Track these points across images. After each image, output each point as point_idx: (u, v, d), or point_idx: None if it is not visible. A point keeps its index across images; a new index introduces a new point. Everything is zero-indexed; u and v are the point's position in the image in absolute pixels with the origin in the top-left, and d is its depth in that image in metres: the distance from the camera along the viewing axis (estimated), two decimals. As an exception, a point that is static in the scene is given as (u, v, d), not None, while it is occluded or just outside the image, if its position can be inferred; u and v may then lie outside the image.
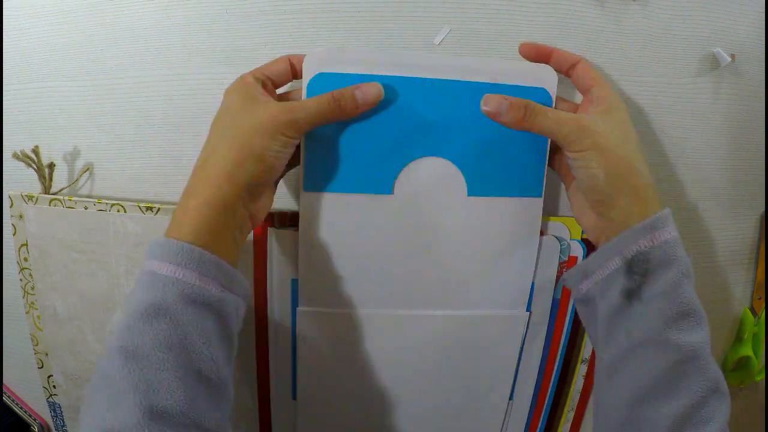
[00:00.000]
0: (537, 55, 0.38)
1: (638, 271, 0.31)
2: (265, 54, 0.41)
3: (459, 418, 0.46)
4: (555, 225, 0.42)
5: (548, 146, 0.39)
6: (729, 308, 0.50)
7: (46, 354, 0.46)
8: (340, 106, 0.35)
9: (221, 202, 0.32)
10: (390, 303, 0.41)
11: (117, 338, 0.28)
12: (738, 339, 0.51)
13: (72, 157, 0.44)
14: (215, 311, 0.30)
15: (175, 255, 0.29)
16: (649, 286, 0.31)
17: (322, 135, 0.37)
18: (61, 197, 0.42)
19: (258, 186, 0.34)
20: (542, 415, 0.48)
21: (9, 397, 0.52)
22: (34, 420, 0.52)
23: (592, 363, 0.47)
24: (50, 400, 0.48)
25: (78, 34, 0.42)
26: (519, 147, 0.38)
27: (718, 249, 0.48)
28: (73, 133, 0.44)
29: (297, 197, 0.42)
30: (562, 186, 0.42)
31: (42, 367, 0.47)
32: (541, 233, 0.41)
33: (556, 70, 0.38)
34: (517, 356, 0.44)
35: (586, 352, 0.46)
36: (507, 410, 0.46)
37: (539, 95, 0.38)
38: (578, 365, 0.47)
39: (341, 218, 0.39)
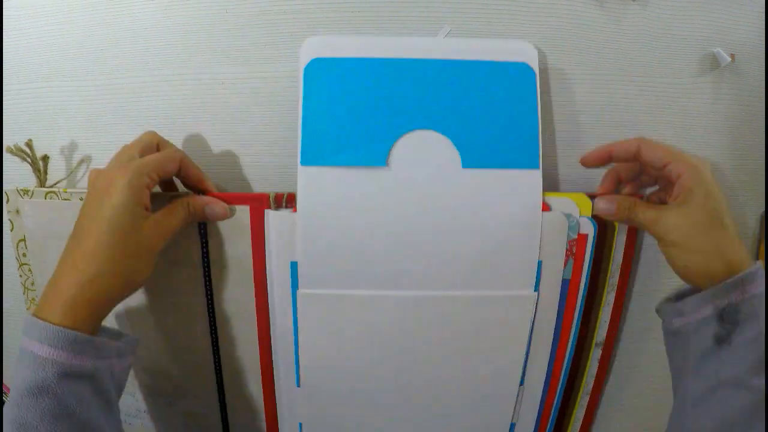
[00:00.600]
0: (599, 160, 0.40)
1: (729, 320, 0.35)
2: (265, 54, 0.41)
3: (468, 404, 0.45)
4: (563, 201, 0.41)
5: (539, 115, 0.39)
6: (729, 308, 0.50)
7: None
8: (191, 213, 0.39)
9: (89, 283, 0.34)
10: (392, 283, 0.41)
11: (10, 413, 0.32)
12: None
13: (69, 151, 0.44)
14: (90, 380, 0.34)
15: (49, 338, 0.33)
16: (738, 334, 0.35)
17: (320, 109, 0.38)
18: (57, 190, 0.42)
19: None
20: (555, 401, 0.47)
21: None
22: (34, 420, 0.52)
23: (607, 347, 0.46)
24: None
25: (78, 34, 0.42)
26: (510, 118, 0.39)
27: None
28: (74, 132, 0.44)
29: (290, 179, 0.42)
30: (566, 160, 0.42)
31: None
32: (547, 209, 0.40)
33: (623, 161, 0.40)
34: (527, 339, 0.43)
35: (600, 335, 0.46)
36: (518, 396, 0.45)
37: (521, 69, 0.39)
38: (592, 349, 0.46)
39: (339, 192, 0.39)
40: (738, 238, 0.37)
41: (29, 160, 0.43)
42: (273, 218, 0.40)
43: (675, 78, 0.43)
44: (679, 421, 0.38)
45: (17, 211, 0.43)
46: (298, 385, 0.44)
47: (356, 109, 0.39)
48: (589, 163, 0.41)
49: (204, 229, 0.42)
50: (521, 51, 0.40)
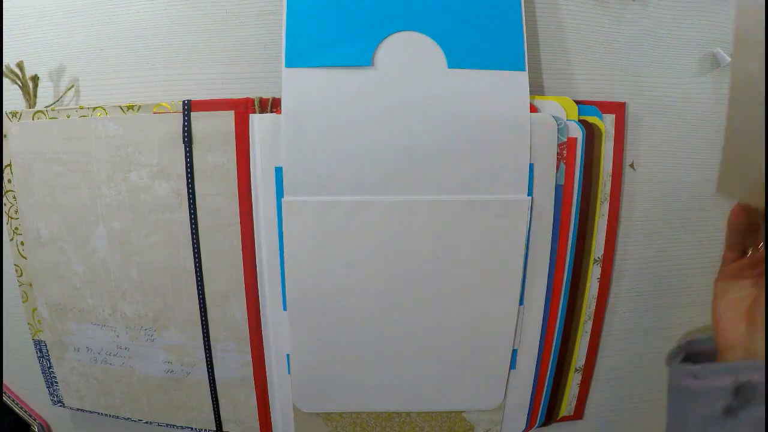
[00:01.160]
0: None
1: (743, 396, 0.36)
2: (265, 54, 0.41)
3: (466, 323, 0.44)
4: (550, 104, 0.41)
5: (523, 15, 0.39)
6: (729, 308, 0.50)
7: (30, 285, 0.46)
8: None
9: None
10: (380, 188, 0.40)
11: None
12: (738, 339, 0.51)
13: (57, 74, 0.44)
14: None
15: None
16: (747, 410, 0.35)
17: (304, 11, 0.38)
18: (44, 109, 0.42)
19: None
20: (557, 325, 0.46)
21: (9, 397, 0.52)
22: (34, 420, 0.52)
23: (606, 265, 0.46)
24: (35, 338, 0.48)
25: (78, 33, 0.42)
26: (494, 18, 0.39)
27: (718, 249, 0.48)
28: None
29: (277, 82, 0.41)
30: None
31: (26, 300, 0.47)
32: (535, 111, 0.40)
33: None
34: (524, 249, 0.42)
35: (598, 251, 0.45)
36: (518, 317, 0.44)
37: None
38: (591, 266, 0.45)
39: (324, 93, 0.39)
40: None
41: (19, 83, 0.42)
42: (257, 122, 0.40)
43: (675, 78, 0.43)
44: None
45: (6, 136, 0.43)
46: (285, 309, 0.43)
47: (341, 10, 0.39)
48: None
49: (188, 137, 0.41)
50: None
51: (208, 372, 0.46)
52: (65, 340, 0.47)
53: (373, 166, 0.40)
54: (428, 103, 0.39)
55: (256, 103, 0.40)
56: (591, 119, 0.42)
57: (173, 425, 0.48)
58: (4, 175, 0.44)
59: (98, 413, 0.49)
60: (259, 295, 0.43)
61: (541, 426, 0.49)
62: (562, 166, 0.41)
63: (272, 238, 0.41)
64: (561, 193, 0.42)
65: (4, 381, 0.52)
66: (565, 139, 0.41)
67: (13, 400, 0.52)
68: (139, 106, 0.41)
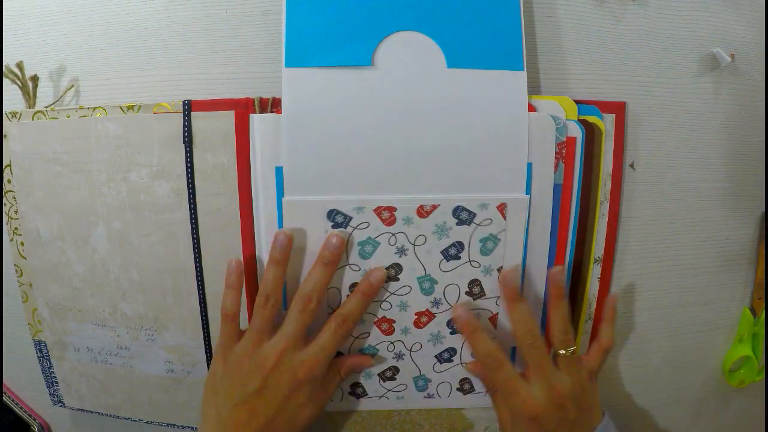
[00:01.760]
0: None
1: None
2: (265, 54, 0.41)
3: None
4: (549, 104, 0.41)
5: (522, 15, 0.40)
6: (729, 308, 0.50)
7: (30, 285, 0.46)
8: (342, 380, 0.43)
9: None
10: (380, 187, 0.40)
11: None
12: (738, 339, 0.51)
13: (57, 74, 0.44)
14: None
15: None
16: None
17: (304, 10, 0.39)
18: (44, 109, 0.42)
19: None
20: None
21: (9, 397, 0.52)
22: (34, 420, 0.52)
23: (606, 264, 0.46)
24: (36, 338, 0.48)
25: (78, 33, 0.42)
26: (493, 17, 0.39)
27: (718, 249, 0.48)
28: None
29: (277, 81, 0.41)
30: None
31: (26, 300, 0.47)
32: (534, 111, 0.41)
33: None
34: (522, 248, 0.42)
35: (598, 251, 0.45)
36: None
37: None
38: (591, 266, 0.45)
39: (324, 93, 0.39)
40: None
41: (19, 83, 0.42)
42: (258, 122, 0.40)
43: (675, 78, 0.43)
44: None
45: (6, 136, 0.43)
46: (285, 309, 0.42)
47: (340, 10, 0.39)
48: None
49: (189, 137, 0.41)
50: None
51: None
52: (65, 340, 0.47)
53: (374, 165, 0.40)
54: (428, 102, 0.39)
55: (256, 103, 0.40)
56: (591, 119, 0.42)
57: (174, 425, 0.48)
58: (4, 175, 0.44)
59: (98, 413, 0.49)
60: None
61: None
62: (562, 166, 0.41)
63: (272, 238, 0.41)
64: (560, 192, 0.42)
65: (4, 381, 0.52)
66: (564, 139, 0.41)
67: (13, 400, 0.52)
68: (139, 106, 0.41)
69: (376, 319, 0.43)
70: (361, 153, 0.40)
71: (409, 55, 0.39)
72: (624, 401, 0.51)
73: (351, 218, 0.40)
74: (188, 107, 0.40)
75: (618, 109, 0.43)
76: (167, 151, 0.41)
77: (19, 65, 0.42)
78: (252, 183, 0.41)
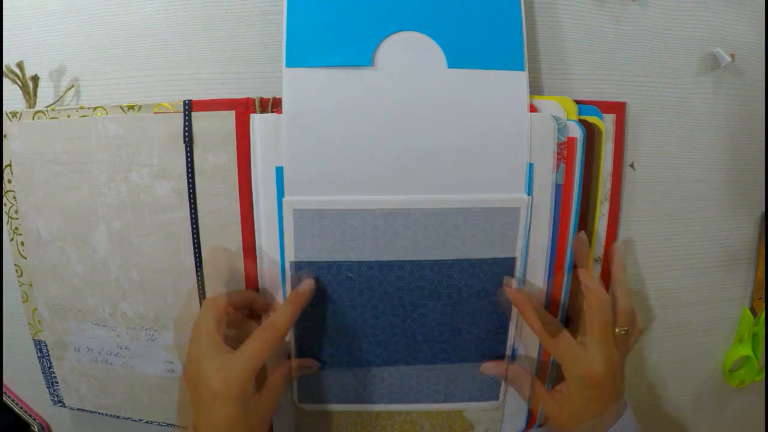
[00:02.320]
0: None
1: None
2: (265, 54, 0.41)
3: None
4: (549, 104, 0.41)
5: (523, 16, 0.40)
6: (729, 308, 0.50)
7: (30, 285, 0.46)
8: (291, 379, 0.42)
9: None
10: (380, 187, 0.40)
11: None
12: (738, 339, 0.51)
13: (57, 74, 0.44)
14: None
15: None
16: None
17: (304, 10, 0.39)
18: (44, 109, 0.42)
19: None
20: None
21: (9, 397, 0.52)
22: (34, 420, 0.52)
23: (605, 264, 0.45)
24: (36, 338, 0.48)
25: (78, 33, 0.42)
26: (494, 18, 0.39)
27: (718, 249, 0.48)
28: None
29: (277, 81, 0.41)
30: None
31: (27, 300, 0.47)
32: (535, 111, 0.41)
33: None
34: (524, 249, 0.42)
35: (598, 251, 0.45)
36: (517, 315, 0.44)
37: None
38: (591, 266, 0.45)
39: (324, 93, 0.39)
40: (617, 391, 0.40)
41: (19, 82, 0.42)
42: (258, 121, 0.40)
43: (675, 78, 0.43)
44: None
45: (6, 136, 0.43)
46: None
47: (341, 10, 0.39)
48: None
49: (189, 137, 0.41)
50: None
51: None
52: (65, 340, 0.47)
53: (374, 165, 0.40)
54: (428, 102, 0.39)
55: (256, 103, 0.40)
56: (591, 119, 0.42)
57: (174, 425, 0.48)
58: (4, 175, 0.44)
59: (98, 413, 0.49)
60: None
61: (541, 426, 0.49)
62: (562, 166, 0.41)
63: (273, 238, 0.41)
64: (561, 192, 0.42)
65: (4, 381, 0.52)
66: (565, 139, 0.41)
67: (13, 400, 0.52)
68: (140, 106, 0.41)
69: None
70: (362, 153, 0.40)
71: (409, 55, 0.39)
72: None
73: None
74: (189, 107, 0.40)
75: (618, 109, 0.43)
76: (168, 151, 0.41)
77: (20, 65, 0.42)
78: (252, 183, 0.41)
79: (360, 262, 0.41)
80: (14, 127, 0.42)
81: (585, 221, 0.44)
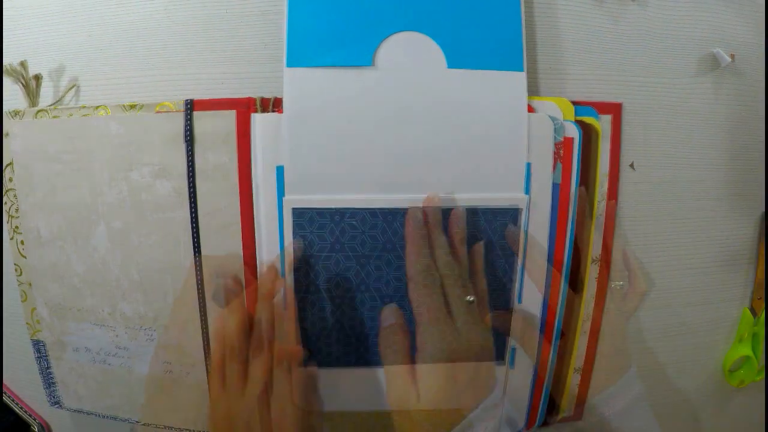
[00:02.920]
0: None
1: None
2: (266, 54, 0.41)
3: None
4: (547, 105, 0.42)
5: (522, 16, 0.40)
6: (729, 308, 0.50)
7: (30, 284, 0.46)
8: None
9: None
10: (380, 186, 0.40)
11: None
12: (738, 339, 0.51)
13: (58, 73, 0.44)
14: None
15: None
16: None
17: (305, 10, 0.39)
18: (46, 108, 0.42)
19: None
20: (556, 324, 0.46)
21: (9, 397, 0.52)
22: (34, 420, 0.52)
23: (604, 264, 0.46)
24: (34, 338, 0.48)
25: (79, 33, 0.42)
26: (493, 18, 0.40)
27: (718, 249, 0.48)
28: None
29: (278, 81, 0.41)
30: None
31: (26, 300, 0.47)
32: (532, 111, 0.41)
33: None
34: (522, 248, 0.42)
35: (596, 250, 0.45)
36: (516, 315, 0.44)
37: None
38: (589, 266, 0.45)
39: (325, 93, 0.39)
40: None
41: (22, 81, 0.42)
42: (259, 121, 0.40)
43: (675, 78, 0.43)
44: None
45: (7, 134, 0.43)
46: (285, 308, 0.43)
47: (342, 10, 0.39)
48: None
49: (190, 136, 0.41)
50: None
51: (208, 372, 0.46)
52: (64, 340, 0.47)
53: (374, 164, 0.40)
54: (428, 102, 0.40)
55: (257, 103, 0.40)
56: (587, 119, 0.42)
57: (171, 428, 0.48)
58: (5, 173, 0.44)
59: (96, 414, 0.49)
60: None
61: (540, 426, 0.49)
62: (559, 166, 0.42)
63: (273, 238, 0.41)
64: (558, 191, 0.42)
65: (4, 381, 0.52)
66: (562, 139, 0.41)
67: (12, 400, 0.52)
68: (141, 106, 0.41)
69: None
70: (362, 153, 0.40)
71: (409, 55, 0.39)
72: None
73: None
74: (190, 106, 0.40)
75: (614, 109, 0.43)
76: (169, 150, 0.41)
77: (23, 64, 0.42)
78: (253, 182, 0.41)
79: (364, 209, 0.41)
80: (15, 125, 0.42)
81: (582, 224, 0.44)
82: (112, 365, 0.47)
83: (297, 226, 0.40)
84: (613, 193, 0.44)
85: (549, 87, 0.43)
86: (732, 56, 0.42)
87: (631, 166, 0.44)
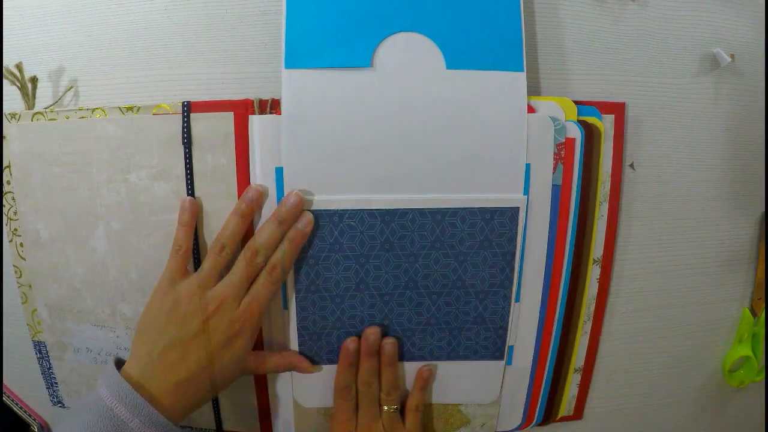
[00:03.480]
0: None
1: None
2: (264, 55, 0.41)
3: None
4: (548, 105, 0.41)
5: (522, 16, 0.40)
6: (729, 308, 0.50)
7: (30, 286, 0.46)
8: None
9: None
10: (379, 187, 0.40)
11: None
12: (738, 339, 0.51)
13: (56, 75, 0.43)
14: None
15: (123, 396, 0.36)
16: None
17: (303, 11, 0.39)
18: (43, 110, 0.42)
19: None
20: (555, 324, 0.46)
21: (9, 397, 0.52)
22: (34, 420, 0.52)
23: (605, 265, 0.46)
24: (35, 339, 0.48)
25: (77, 34, 0.42)
26: (493, 18, 0.39)
27: (718, 249, 0.48)
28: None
29: (276, 83, 0.41)
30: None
31: (26, 302, 0.47)
32: (533, 112, 0.41)
33: None
34: (520, 249, 0.42)
35: (597, 251, 0.45)
36: (513, 314, 0.44)
37: None
38: (590, 267, 0.45)
39: (323, 94, 0.39)
40: None
41: (18, 84, 0.42)
42: (257, 123, 0.40)
43: (675, 78, 0.43)
44: None
45: (5, 137, 0.43)
46: (285, 308, 0.43)
47: (340, 11, 0.39)
48: None
49: (188, 138, 0.41)
50: None
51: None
52: (65, 341, 0.47)
53: (372, 165, 0.40)
54: (427, 103, 0.40)
55: (255, 105, 0.40)
56: (590, 120, 0.42)
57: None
58: (4, 176, 0.44)
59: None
60: None
61: (540, 425, 0.49)
62: (560, 167, 0.42)
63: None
64: (558, 192, 0.42)
65: (4, 381, 0.52)
66: (563, 140, 0.41)
67: (12, 400, 0.52)
68: (139, 108, 0.41)
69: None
70: (361, 154, 0.40)
71: (408, 56, 0.39)
72: (624, 401, 0.51)
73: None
74: (188, 108, 0.40)
75: (617, 109, 0.43)
76: (167, 152, 0.41)
77: (19, 66, 0.42)
78: (251, 184, 0.41)
79: (362, 210, 0.41)
80: (13, 128, 0.42)
81: (584, 222, 0.44)
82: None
83: None
84: (615, 194, 0.44)
85: (550, 87, 0.43)
86: (732, 56, 0.42)
87: (631, 166, 0.44)
